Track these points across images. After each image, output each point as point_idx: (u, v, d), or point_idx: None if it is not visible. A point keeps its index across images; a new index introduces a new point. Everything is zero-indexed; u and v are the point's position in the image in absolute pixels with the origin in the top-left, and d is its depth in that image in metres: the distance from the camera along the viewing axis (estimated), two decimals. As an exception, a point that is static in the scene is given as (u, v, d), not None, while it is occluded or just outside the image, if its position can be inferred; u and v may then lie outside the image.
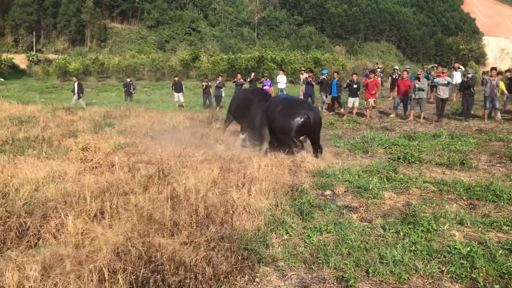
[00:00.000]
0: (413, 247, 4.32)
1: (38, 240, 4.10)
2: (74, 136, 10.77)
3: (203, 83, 20.93)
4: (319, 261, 4.04)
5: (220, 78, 22.12)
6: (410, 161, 8.41)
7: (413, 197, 6.17)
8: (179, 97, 21.36)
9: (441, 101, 14.45)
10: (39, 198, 5.28)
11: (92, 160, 7.21)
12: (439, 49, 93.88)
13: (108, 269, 3.07)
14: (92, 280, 3.05)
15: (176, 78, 22.15)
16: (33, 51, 70.62)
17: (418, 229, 4.73)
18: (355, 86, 16.13)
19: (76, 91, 21.47)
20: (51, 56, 67.38)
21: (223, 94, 21.20)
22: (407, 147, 9.70)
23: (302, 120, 8.48)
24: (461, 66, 20.34)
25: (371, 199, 6.04)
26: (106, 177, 5.80)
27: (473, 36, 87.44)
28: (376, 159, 8.90)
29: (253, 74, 23.74)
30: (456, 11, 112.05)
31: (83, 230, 4.04)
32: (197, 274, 3.10)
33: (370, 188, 6.38)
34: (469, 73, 15.32)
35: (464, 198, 6.09)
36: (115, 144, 9.58)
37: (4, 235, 4.10)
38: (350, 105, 16.23)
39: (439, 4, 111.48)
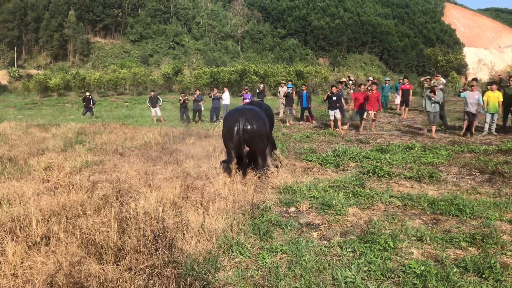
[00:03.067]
0: (368, 267, 4.21)
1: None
2: (41, 155, 10.54)
3: (180, 98, 20.80)
4: (270, 285, 3.91)
5: (197, 91, 22.01)
6: (380, 175, 8.35)
7: (377, 213, 6.09)
8: (156, 111, 21.23)
9: (472, 116, 13.55)
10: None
11: (51, 180, 7.00)
12: (420, 60, 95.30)
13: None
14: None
15: (152, 93, 22.07)
16: (14, 66, 69.94)
17: (375, 248, 4.63)
18: (334, 98, 15.87)
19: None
20: (33, 71, 66.79)
21: (202, 108, 21.12)
22: (378, 160, 9.64)
23: (230, 129, 7.71)
24: (441, 78, 20.44)
25: (334, 215, 5.94)
26: (59, 199, 5.61)
27: (454, 47, 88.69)
28: (347, 173, 8.82)
29: (262, 85, 23.93)
30: (437, 22, 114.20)
31: (22, 258, 3.86)
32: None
33: (334, 204, 6.28)
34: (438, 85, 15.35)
35: (428, 213, 6.02)
36: (82, 163, 9.39)
37: None
38: (331, 117, 15.92)
39: (420, 16, 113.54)
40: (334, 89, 16.55)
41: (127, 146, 11.63)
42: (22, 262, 3.84)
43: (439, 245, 4.82)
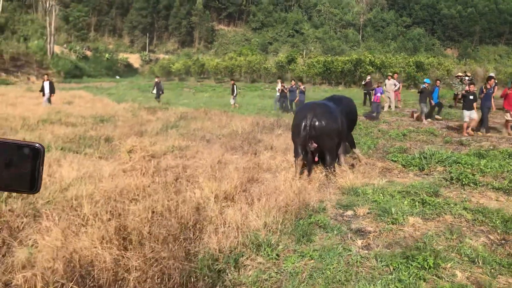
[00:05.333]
0: (395, 285, 3.91)
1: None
2: (139, 136, 11.37)
3: (278, 87, 20.88)
4: (282, 290, 3.83)
5: (293, 82, 21.91)
6: (464, 182, 7.63)
7: (440, 225, 5.60)
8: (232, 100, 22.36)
9: None
10: (58, 199, 5.64)
11: (128, 163, 7.54)
12: None
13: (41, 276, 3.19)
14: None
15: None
16: (146, 51, 76.00)
17: (411, 264, 4.28)
18: (471, 97, 13.82)
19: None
20: (162, 56, 71.99)
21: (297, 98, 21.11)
22: (469, 166, 8.78)
23: (298, 124, 7.57)
24: None
25: (389, 224, 5.58)
26: (120, 182, 6.02)
27: None
28: (429, 178, 8.22)
29: (369, 77, 23.40)
30: None
31: (64, 236, 4.24)
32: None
33: (393, 211, 5.89)
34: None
35: (498, 231, 5.38)
36: (168, 147, 9.95)
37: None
38: (466, 119, 13.64)
39: None
40: (471, 87, 14.40)
41: (216, 133, 12.04)
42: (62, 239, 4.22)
43: (492, 270, 4.30)
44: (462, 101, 14.61)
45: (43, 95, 19.87)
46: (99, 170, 7.33)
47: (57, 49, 58.52)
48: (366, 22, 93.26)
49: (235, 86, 22.38)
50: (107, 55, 67.35)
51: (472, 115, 13.63)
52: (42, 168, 0.80)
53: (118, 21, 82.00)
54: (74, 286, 3.11)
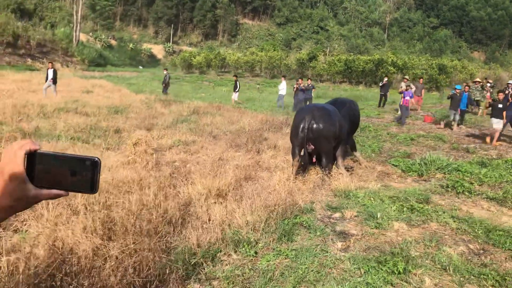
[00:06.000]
0: (361, 287, 4.09)
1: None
2: (148, 130, 11.70)
3: (295, 86, 21.00)
4: (251, 287, 4.04)
5: (309, 81, 22.03)
6: (459, 191, 7.70)
7: (424, 232, 5.72)
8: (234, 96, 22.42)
9: None
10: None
11: (130, 155, 7.83)
12: None
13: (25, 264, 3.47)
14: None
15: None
16: (169, 42, 76.72)
17: (382, 269, 4.44)
18: (500, 106, 13.38)
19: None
20: (185, 48, 72.61)
21: (312, 96, 21.21)
22: (468, 174, 8.84)
23: (296, 126, 7.68)
24: None
25: (373, 228, 5.73)
26: (117, 174, 6.30)
27: None
28: (427, 184, 8.31)
29: (385, 79, 23.26)
30: None
31: (54, 224, 4.53)
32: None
33: (378, 216, 6.04)
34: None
35: (479, 241, 5.48)
36: (174, 141, 10.23)
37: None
38: (495, 126, 13.06)
39: None
40: (500, 95, 13.99)
41: (224, 129, 12.28)
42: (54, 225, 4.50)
43: (461, 278, 4.43)
44: (490, 109, 14.13)
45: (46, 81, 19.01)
46: (105, 162, 7.63)
47: (82, 37, 59.55)
48: (392, 22, 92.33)
49: (237, 82, 22.53)
50: (131, 45, 68.30)
51: (499, 125, 13.12)
52: (99, 175, 1.02)
53: (143, 12, 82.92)
54: (53, 271, 3.37)
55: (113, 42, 68.03)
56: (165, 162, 8.09)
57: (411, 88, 19.50)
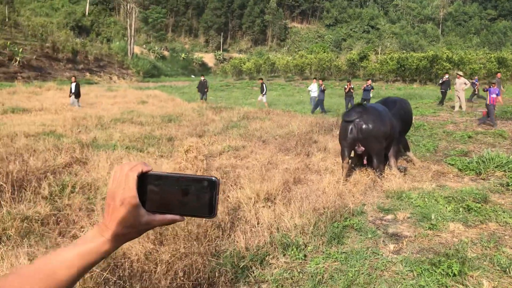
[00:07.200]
0: (414, 291, 3.97)
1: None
2: (199, 136, 11.94)
3: (346, 86, 20.69)
4: (300, 290, 4.03)
5: (369, 81, 21.64)
6: (520, 189, 7.32)
7: (481, 233, 5.48)
8: (262, 98, 22.25)
9: None
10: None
11: (182, 162, 8.01)
12: None
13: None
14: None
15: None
16: (220, 50, 78.00)
17: (435, 271, 4.29)
18: None
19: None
20: (235, 55, 73.55)
21: (370, 97, 20.75)
22: (531, 171, 8.38)
23: (345, 127, 7.59)
24: None
25: (427, 229, 5.56)
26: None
27: None
28: (485, 183, 7.95)
29: (446, 76, 22.60)
30: None
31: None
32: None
33: (432, 217, 5.84)
34: None
35: (544, 242, 5.19)
36: (224, 147, 10.38)
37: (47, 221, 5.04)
38: None
39: None
40: None
41: (273, 133, 12.31)
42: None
43: (523, 282, 4.21)
44: None
45: (70, 96, 19.38)
46: (154, 168, 7.86)
47: (137, 49, 61.78)
48: (447, 16, 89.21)
49: (263, 84, 22.53)
50: (183, 55, 70.04)
51: None
52: (218, 197, 0.91)
53: (194, 22, 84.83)
54: (107, 275, 3.52)
55: (166, 53, 70.07)
56: (215, 168, 8.21)
57: (465, 85, 18.70)
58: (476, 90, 23.94)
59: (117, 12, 79.66)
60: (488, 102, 15.35)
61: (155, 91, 30.43)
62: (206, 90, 25.46)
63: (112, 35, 70.19)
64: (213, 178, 0.91)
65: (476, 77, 25.73)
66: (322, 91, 19.79)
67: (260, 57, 56.09)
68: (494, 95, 15.26)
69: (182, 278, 3.64)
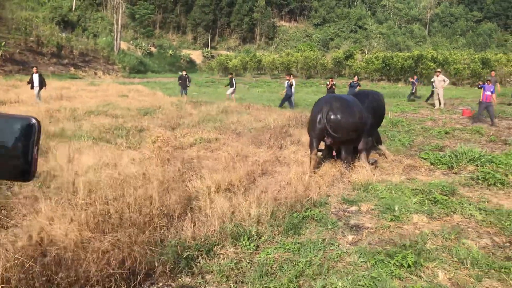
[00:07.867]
0: (365, 282, 3.77)
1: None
2: (173, 129, 11.68)
3: (328, 82, 20.52)
4: (245, 281, 3.81)
5: (355, 77, 21.54)
6: (490, 183, 7.18)
7: (444, 225, 5.31)
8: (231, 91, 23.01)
9: None
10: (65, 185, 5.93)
11: (149, 153, 7.77)
12: None
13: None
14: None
15: (230, 75, 25.34)
16: (208, 48, 77.56)
17: (390, 262, 4.11)
18: None
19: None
20: (223, 52, 73.20)
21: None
22: (503, 166, 8.25)
23: (313, 118, 7.39)
24: None
25: (389, 221, 5.38)
26: (125, 170, 6.23)
27: None
28: (456, 177, 7.81)
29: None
30: None
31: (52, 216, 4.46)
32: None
33: (396, 209, 5.67)
34: None
35: (506, 233, 5.03)
36: (196, 139, 10.14)
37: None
38: None
39: None
40: None
41: (248, 126, 12.10)
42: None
43: (480, 272, 4.03)
44: None
45: (31, 88, 18.03)
46: (118, 159, 7.60)
47: (123, 45, 61.12)
48: (433, 17, 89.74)
49: (233, 79, 23.43)
50: (170, 52, 69.48)
51: None
52: (38, 150, 0.61)
53: (182, 19, 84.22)
54: (31, 263, 3.28)
55: (153, 50, 69.47)
56: (182, 159, 7.96)
57: (444, 82, 18.70)
58: (414, 89, 24.25)
59: (104, 8, 78.82)
60: (481, 99, 15.01)
61: (137, 86, 29.98)
62: (188, 85, 25.03)
63: (99, 30, 69.36)
64: (31, 119, 0.62)
65: (415, 77, 26.16)
66: (290, 86, 19.50)
67: (247, 54, 55.86)
68: (488, 93, 14.81)
69: (114, 267, 3.40)
